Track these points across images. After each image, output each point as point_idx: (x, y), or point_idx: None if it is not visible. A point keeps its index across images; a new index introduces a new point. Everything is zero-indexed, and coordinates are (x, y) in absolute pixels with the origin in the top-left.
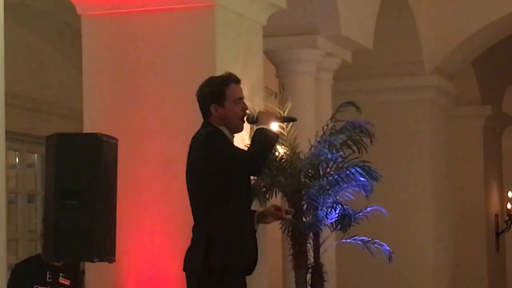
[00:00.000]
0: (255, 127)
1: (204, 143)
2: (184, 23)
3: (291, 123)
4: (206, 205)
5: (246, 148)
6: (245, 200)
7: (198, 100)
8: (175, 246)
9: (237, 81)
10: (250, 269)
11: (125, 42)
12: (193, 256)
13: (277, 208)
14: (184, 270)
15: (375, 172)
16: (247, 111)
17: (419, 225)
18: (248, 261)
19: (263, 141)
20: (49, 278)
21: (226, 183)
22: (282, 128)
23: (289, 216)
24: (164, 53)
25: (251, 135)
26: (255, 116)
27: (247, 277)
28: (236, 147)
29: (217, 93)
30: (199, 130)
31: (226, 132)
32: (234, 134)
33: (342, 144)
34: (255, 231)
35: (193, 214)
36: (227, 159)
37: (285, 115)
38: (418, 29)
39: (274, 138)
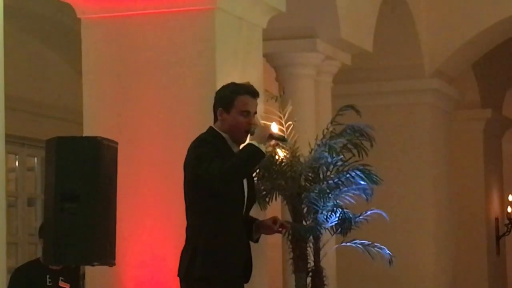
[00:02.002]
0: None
1: (192, 150)
2: (184, 26)
3: (292, 125)
4: (193, 211)
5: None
6: (236, 208)
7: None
8: (175, 250)
9: (252, 93)
10: (245, 276)
11: (125, 45)
12: (180, 263)
13: (275, 221)
14: (177, 276)
15: (375, 175)
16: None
17: (419, 228)
18: (234, 271)
19: (242, 160)
20: (49, 282)
21: (214, 192)
22: (282, 131)
23: (283, 231)
24: (164, 56)
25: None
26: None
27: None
28: (221, 158)
29: (227, 99)
30: (199, 135)
31: (229, 141)
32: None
33: (342, 148)
34: (247, 240)
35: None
36: (201, 171)
37: (285, 118)
38: (418, 32)
39: (257, 157)
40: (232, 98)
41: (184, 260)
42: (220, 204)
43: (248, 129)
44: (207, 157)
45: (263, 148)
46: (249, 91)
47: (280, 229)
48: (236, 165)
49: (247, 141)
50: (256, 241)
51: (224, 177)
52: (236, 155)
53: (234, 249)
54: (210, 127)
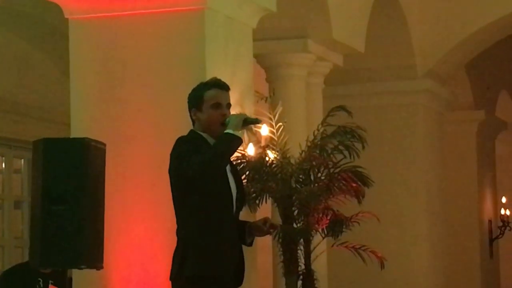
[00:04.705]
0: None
1: (173, 151)
2: (173, 26)
3: (282, 126)
4: (182, 212)
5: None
6: (225, 208)
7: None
8: (164, 253)
9: (221, 86)
10: (238, 279)
11: (113, 46)
12: (172, 264)
13: (265, 222)
14: (169, 279)
15: (367, 177)
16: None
17: (412, 230)
18: (226, 270)
19: (220, 148)
20: (39, 286)
21: (199, 191)
22: (273, 132)
23: (272, 231)
24: (153, 57)
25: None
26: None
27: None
28: (200, 153)
29: (197, 98)
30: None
31: (210, 139)
32: None
33: (334, 149)
34: (239, 242)
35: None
36: (183, 170)
37: (275, 119)
38: (410, 32)
39: (234, 143)
40: (201, 95)
41: (176, 261)
42: (208, 204)
43: (223, 121)
44: (187, 154)
45: (239, 134)
46: (217, 84)
47: (271, 230)
48: (214, 154)
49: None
50: (250, 244)
51: (205, 168)
52: (213, 145)
53: (225, 249)
54: (190, 130)
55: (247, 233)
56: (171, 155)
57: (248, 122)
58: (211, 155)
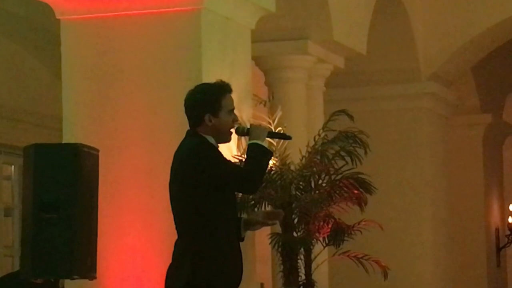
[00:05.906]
0: (243, 140)
1: (194, 155)
2: (169, 27)
3: (281, 131)
4: (191, 220)
5: (233, 160)
6: (232, 216)
7: (188, 106)
8: (159, 262)
9: (231, 90)
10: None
11: (107, 48)
12: (177, 273)
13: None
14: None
15: (370, 184)
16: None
17: (416, 239)
18: (234, 278)
19: (260, 159)
20: None
21: (214, 198)
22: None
23: (276, 222)
24: (148, 59)
25: (238, 146)
26: (246, 129)
27: None
28: (229, 160)
29: (213, 103)
30: (185, 140)
31: (213, 141)
32: (219, 145)
33: (335, 155)
34: (239, 246)
35: (176, 228)
36: (224, 174)
37: (274, 124)
38: (414, 33)
39: (269, 156)
40: (219, 99)
41: (183, 270)
42: (220, 212)
43: (233, 127)
44: (218, 159)
45: (267, 146)
46: (229, 88)
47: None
48: (260, 167)
49: (242, 139)
50: (243, 239)
51: (254, 179)
52: (251, 158)
53: (234, 256)
54: (193, 131)
55: (242, 228)
56: (188, 160)
57: (273, 136)
58: (257, 167)
